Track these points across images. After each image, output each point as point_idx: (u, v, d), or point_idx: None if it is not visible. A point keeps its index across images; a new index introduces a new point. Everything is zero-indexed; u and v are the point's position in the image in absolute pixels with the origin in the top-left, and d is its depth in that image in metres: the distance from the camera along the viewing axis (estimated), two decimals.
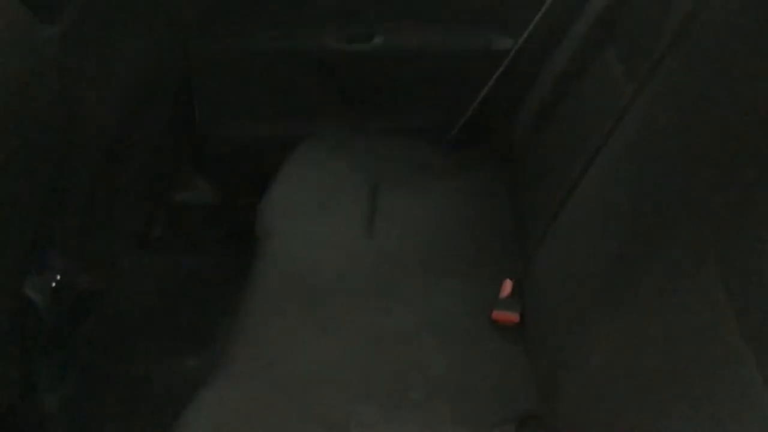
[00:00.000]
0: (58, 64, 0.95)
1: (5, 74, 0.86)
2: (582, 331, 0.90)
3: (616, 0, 1.22)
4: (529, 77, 1.42)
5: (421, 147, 1.49)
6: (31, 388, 1.10)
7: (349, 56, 1.50)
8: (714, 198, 0.74)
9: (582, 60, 1.27)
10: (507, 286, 1.18)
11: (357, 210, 1.31)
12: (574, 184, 1.08)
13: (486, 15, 1.46)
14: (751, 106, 0.73)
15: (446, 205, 1.35)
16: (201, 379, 0.98)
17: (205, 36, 1.49)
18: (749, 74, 0.75)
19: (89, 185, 1.19)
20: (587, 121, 1.17)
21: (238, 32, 1.49)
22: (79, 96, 1.02)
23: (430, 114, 1.57)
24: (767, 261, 0.65)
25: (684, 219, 0.77)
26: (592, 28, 1.27)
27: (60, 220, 1.10)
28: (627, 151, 0.96)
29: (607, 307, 0.85)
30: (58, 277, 1.08)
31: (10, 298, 1.00)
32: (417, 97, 1.55)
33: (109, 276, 1.39)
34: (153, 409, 1.26)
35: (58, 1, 0.97)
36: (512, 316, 1.12)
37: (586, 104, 1.23)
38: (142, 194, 1.50)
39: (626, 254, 0.86)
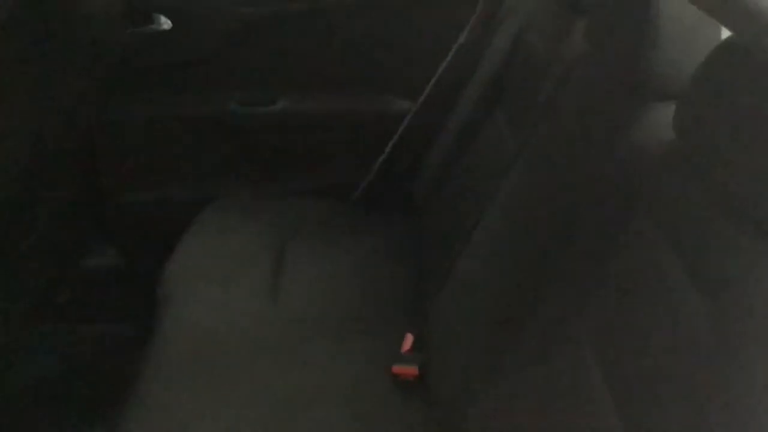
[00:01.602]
0: None
1: None
2: (471, 386, 0.93)
3: (503, 67, 1.30)
4: (427, 138, 1.48)
5: (326, 208, 1.53)
6: None
7: (254, 120, 1.54)
8: (575, 262, 0.80)
9: (475, 121, 1.34)
10: (408, 341, 1.21)
11: (262, 274, 1.33)
12: (467, 238, 1.13)
13: (384, 80, 1.52)
14: (597, 172, 0.80)
15: (351, 265, 1.38)
16: None
17: (107, 104, 1.50)
18: (600, 146, 0.82)
19: None
20: (480, 178, 1.23)
21: (140, 99, 1.51)
22: None
23: (334, 175, 1.60)
24: (629, 322, 0.70)
25: (555, 280, 0.83)
26: (483, 92, 1.34)
27: None
28: (508, 210, 1.02)
29: (490, 365, 0.89)
30: None
31: None
32: (322, 159, 1.59)
33: (10, 343, 1.35)
34: None
35: None
36: (412, 370, 1.14)
37: (480, 162, 1.29)
38: (45, 260, 1.47)
39: (507, 314, 0.91)
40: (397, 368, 1.15)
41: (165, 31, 1.42)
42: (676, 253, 0.67)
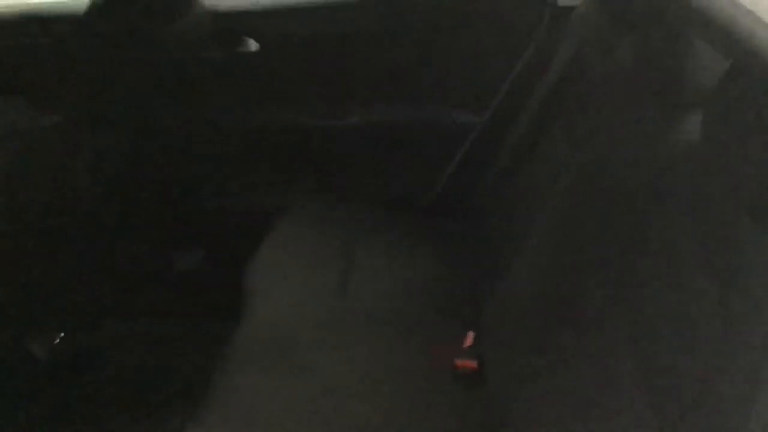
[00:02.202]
0: (56, 150, 1.09)
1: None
2: (521, 381, 1.01)
3: (561, 81, 1.37)
4: (492, 150, 1.56)
5: (393, 216, 1.63)
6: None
7: (328, 133, 1.66)
8: (610, 262, 0.87)
9: (534, 133, 1.41)
10: (469, 338, 1.29)
11: (332, 274, 1.44)
12: (518, 243, 1.21)
13: (451, 94, 1.61)
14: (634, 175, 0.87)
15: (415, 268, 1.47)
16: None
17: (197, 118, 1.65)
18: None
19: (88, 258, 1.32)
20: (535, 187, 1.31)
21: (227, 113, 1.65)
22: (74, 179, 1.16)
23: (402, 185, 1.70)
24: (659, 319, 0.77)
25: (592, 279, 0.90)
26: (543, 105, 1.42)
27: (64, 289, 1.23)
28: (554, 214, 1.09)
29: (537, 362, 0.97)
30: (61, 335, 1.20)
31: (10, 348, 1.12)
32: (390, 169, 1.69)
33: (105, 340, 1.50)
34: None
35: (56, 96, 1.12)
36: (471, 364, 1.23)
37: (537, 172, 1.36)
38: (140, 259, 1.62)
39: (550, 313, 0.98)
40: (459, 362, 1.24)
41: (252, 53, 1.56)
42: (699, 248, 0.73)
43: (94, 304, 1.39)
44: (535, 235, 1.14)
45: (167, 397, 1.43)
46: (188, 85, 1.54)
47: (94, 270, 1.36)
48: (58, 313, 1.22)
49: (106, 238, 1.40)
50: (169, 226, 1.71)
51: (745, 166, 0.70)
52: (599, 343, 0.86)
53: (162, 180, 1.63)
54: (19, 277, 1.04)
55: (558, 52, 1.46)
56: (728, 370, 0.64)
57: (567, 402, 0.90)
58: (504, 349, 1.14)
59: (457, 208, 1.63)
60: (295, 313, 1.33)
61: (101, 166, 1.25)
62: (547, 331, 0.99)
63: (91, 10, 1.19)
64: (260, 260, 1.47)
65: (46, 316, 1.19)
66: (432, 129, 1.65)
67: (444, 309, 1.37)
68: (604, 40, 1.20)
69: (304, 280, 1.41)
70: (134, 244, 1.56)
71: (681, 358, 0.72)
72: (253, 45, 1.55)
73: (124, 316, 1.60)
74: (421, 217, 1.67)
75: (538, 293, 1.05)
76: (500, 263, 1.24)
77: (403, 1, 1.55)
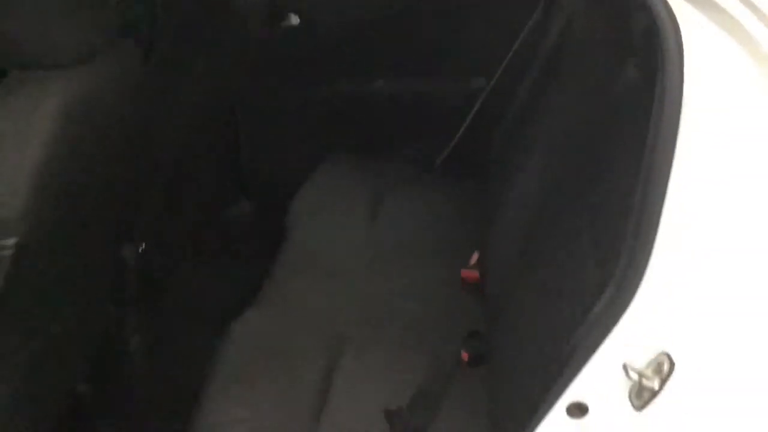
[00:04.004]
0: (144, 88, 1.35)
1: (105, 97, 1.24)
2: (510, 284, 1.26)
3: (559, 43, 1.63)
4: (501, 112, 1.83)
5: (414, 171, 1.90)
6: (121, 330, 1.49)
7: (359, 97, 1.94)
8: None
9: (535, 95, 1.68)
10: (474, 257, 1.57)
11: (363, 212, 1.72)
12: (513, 182, 1.47)
13: (463, 60, 1.88)
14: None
15: (431, 209, 1.75)
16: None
17: (252, 82, 1.94)
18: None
19: (162, 189, 1.60)
20: (531, 140, 1.58)
21: (276, 81, 1.94)
22: (156, 115, 1.43)
23: (420, 143, 1.98)
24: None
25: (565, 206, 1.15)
26: (543, 67, 1.68)
27: (143, 210, 1.51)
28: (539, 155, 1.35)
29: (519, 271, 1.22)
30: (144, 246, 1.49)
31: (110, 258, 1.41)
32: (411, 129, 1.97)
33: (174, 266, 1.79)
34: None
35: (148, 33, 1.35)
36: (475, 274, 1.50)
37: (537, 126, 1.63)
38: (198, 210, 1.90)
39: (532, 232, 1.24)
40: (464, 272, 1.52)
41: (295, 27, 1.84)
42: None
43: (164, 229, 1.67)
44: (526, 173, 1.40)
45: (226, 306, 1.71)
46: (248, 57, 1.83)
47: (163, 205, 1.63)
48: (143, 230, 1.51)
49: (175, 187, 1.67)
50: (222, 178, 1.99)
51: None
52: (569, 246, 1.09)
53: (219, 137, 1.91)
54: (115, 196, 1.31)
55: (553, 23, 1.72)
56: None
57: (545, 291, 1.15)
58: (499, 261, 1.40)
59: (472, 167, 1.90)
60: (331, 238, 1.61)
61: (177, 111, 1.52)
62: (529, 242, 1.25)
63: None
64: (299, 202, 1.75)
65: (134, 230, 1.47)
66: (448, 93, 1.92)
67: (455, 237, 1.65)
68: (583, 12, 1.47)
69: (338, 216, 1.70)
70: (197, 192, 1.83)
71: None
72: (295, 20, 1.83)
73: (187, 255, 1.88)
74: (440, 172, 1.95)
75: (525, 219, 1.31)
76: (500, 198, 1.50)
77: None
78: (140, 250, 1.49)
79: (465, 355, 1.30)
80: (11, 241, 0.98)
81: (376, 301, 1.43)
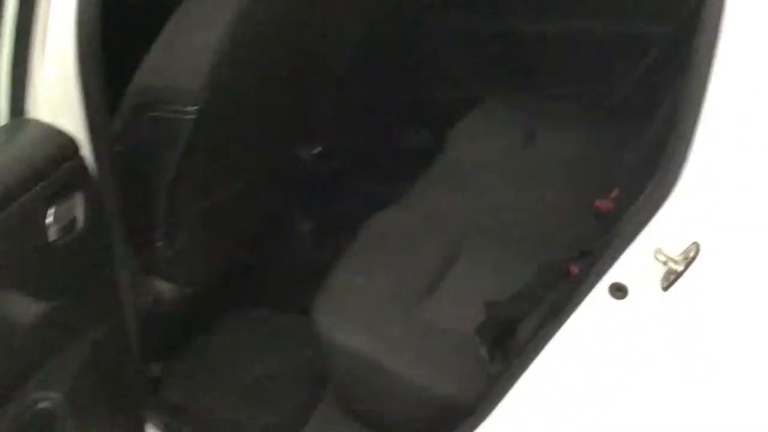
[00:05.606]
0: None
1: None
2: None
3: None
4: (670, 61, 1.84)
5: (575, 110, 1.96)
6: (289, 216, 1.75)
7: (532, 36, 2.03)
8: None
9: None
10: (616, 192, 1.62)
11: (516, 140, 1.83)
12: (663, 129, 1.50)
13: (639, 7, 1.90)
14: None
15: (582, 146, 1.80)
16: None
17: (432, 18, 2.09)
18: None
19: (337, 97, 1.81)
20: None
21: (453, 16, 2.08)
22: (332, 23, 1.61)
23: (584, 85, 2.03)
24: None
25: None
26: None
27: (319, 113, 1.74)
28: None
29: None
30: (319, 148, 1.73)
31: (284, 152, 1.65)
32: (574, 72, 2.03)
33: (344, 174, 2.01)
34: None
35: None
36: (609, 205, 1.56)
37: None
38: (372, 125, 2.10)
39: None
40: (599, 203, 1.58)
41: None
42: None
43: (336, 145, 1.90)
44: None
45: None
46: None
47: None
48: (319, 133, 1.74)
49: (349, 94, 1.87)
50: (397, 102, 2.18)
51: None
52: None
53: (400, 68, 2.10)
54: (291, 90, 1.53)
55: None
56: None
57: None
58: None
59: (639, 111, 1.93)
60: (478, 158, 1.75)
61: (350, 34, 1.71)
62: None
63: None
64: (456, 131, 1.89)
65: (310, 132, 1.71)
66: (619, 39, 1.95)
67: (600, 173, 1.70)
68: None
69: (491, 142, 1.82)
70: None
71: None
72: None
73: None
74: (603, 116, 1.99)
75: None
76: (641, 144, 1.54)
77: None
78: (315, 151, 1.74)
79: (572, 271, 1.39)
80: (194, 108, 1.23)
81: (502, 213, 1.55)
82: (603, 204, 1.59)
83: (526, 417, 1.05)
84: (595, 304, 0.92)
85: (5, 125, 1.12)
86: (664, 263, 0.84)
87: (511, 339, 1.26)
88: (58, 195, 1.05)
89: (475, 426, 1.09)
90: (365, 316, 1.33)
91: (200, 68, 1.20)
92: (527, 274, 1.39)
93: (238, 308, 1.75)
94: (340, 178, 1.98)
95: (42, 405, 1.04)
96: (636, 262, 0.87)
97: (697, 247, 0.82)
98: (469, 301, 1.33)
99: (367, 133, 2.09)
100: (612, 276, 0.90)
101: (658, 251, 0.84)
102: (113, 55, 1.17)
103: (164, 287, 1.50)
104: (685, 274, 0.83)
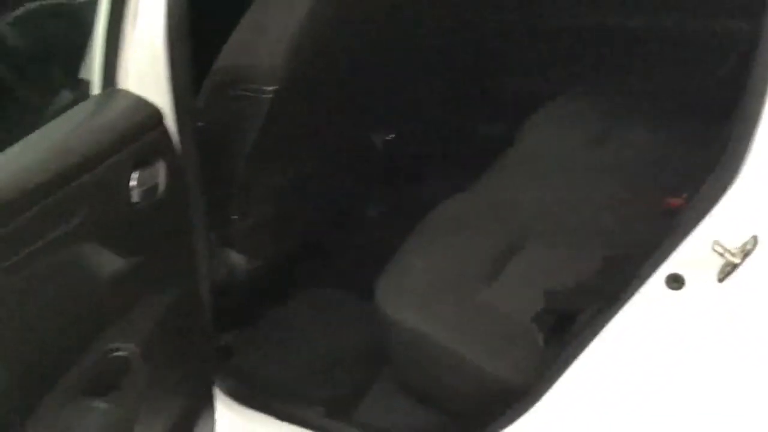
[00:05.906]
0: None
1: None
2: None
3: None
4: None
5: (647, 105, 1.93)
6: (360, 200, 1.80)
7: (615, 31, 2.01)
8: None
9: None
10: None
11: (591, 133, 1.81)
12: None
13: (725, 3, 1.86)
14: None
15: (654, 141, 1.77)
16: None
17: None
18: None
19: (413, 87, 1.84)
20: None
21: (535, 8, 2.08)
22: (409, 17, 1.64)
23: (662, 82, 2.00)
24: None
25: None
26: None
27: (394, 101, 1.77)
28: None
29: None
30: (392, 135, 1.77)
31: (364, 140, 1.70)
32: (653, 68, 1.99)
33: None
34: None
35: None
36: (677, 202, 1.54)
37: None
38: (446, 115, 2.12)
39: None
40: (667, 200, 1.56)
41: None
42: None
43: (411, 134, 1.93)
44: None
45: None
46: None
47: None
48: (393, 121, 1.78)
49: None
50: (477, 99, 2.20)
51: None
52: None
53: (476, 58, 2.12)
54: (367, 77, 1.57)
55: None
56: None
57: None
58: None
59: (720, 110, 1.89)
60: (551, 150, 1.75)
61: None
62: None
63: None
64: (532, 121, 1.89)
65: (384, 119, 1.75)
66: (700, 34, 1.91)
67: (677, 173, 1.68)
68: None
69: (565, 132, 1.82)
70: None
71: None
72: None
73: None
74: (681, 114, 1.96)
75: None
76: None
77: None
78: (389, 138, 1.78)
79: None
80: (272, 88, 1.29)
81: (571, 206, 1.55)
82: (675, 201, 1.57)
83: (577, 402, 1.07)
84: (651, 294, 0.93)
85: (98, 95, 1.19)
86: (722, 255, 0.84)
87: (569, 330, 1.27)
88: (142, 161, 1.12)
89: (527, 408, 1.11)
90: (425, 296, 1.36)
91: (281, 49, 1.26)
92: (591, 267, 1.39)
93: (309, 287, 1.81)
94: (412, 165, 2.02)
95: (119, 353, 1.12)
96: (693, 254, 0.88)
97: (755, 240, 0.82)
98: (529, 289, 1.34)
99: (442, 122, 2.11)
100: (669, 266, 0.90)
101: (716, 243, 0.84)
102: (200, 35, 1.23)
103: (238, 259, 1.57)
104: (741, 267, 0.83)
